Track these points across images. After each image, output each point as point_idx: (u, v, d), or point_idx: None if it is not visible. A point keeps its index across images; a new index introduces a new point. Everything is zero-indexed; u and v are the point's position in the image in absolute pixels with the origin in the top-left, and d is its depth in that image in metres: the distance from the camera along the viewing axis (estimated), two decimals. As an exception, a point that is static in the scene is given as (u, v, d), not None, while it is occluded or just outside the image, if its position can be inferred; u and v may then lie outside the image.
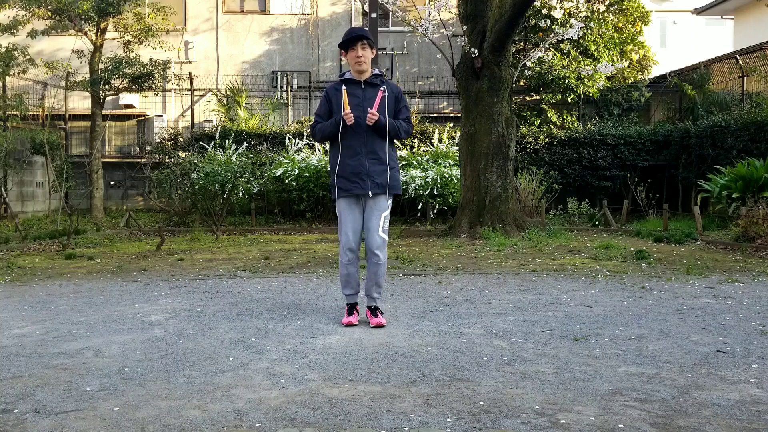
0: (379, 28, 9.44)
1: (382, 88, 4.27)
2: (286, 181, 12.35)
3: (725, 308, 4.80)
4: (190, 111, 17.09)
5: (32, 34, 13.00)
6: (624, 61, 15.26)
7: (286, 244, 9.57)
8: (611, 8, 15.42)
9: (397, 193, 4.39)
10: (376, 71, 4.33)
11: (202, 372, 3.28)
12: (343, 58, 4.41)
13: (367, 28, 4.44)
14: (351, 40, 4.16)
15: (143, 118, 17.28)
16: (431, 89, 17.52)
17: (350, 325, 4.26)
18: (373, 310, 4.36)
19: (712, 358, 3.49)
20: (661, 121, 15.90)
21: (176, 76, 16.11)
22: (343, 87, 4.24)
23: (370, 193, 4.21)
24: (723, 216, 10.46)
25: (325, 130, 4.29)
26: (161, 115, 17.05)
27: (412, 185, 12.14)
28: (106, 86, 13.71)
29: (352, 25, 17.64)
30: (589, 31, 14.83)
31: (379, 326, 4.21)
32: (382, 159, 4.26)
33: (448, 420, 2.60)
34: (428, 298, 5.25)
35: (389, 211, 4.33)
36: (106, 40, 14.03)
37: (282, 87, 17.34)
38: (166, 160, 12.98)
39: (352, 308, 4.41)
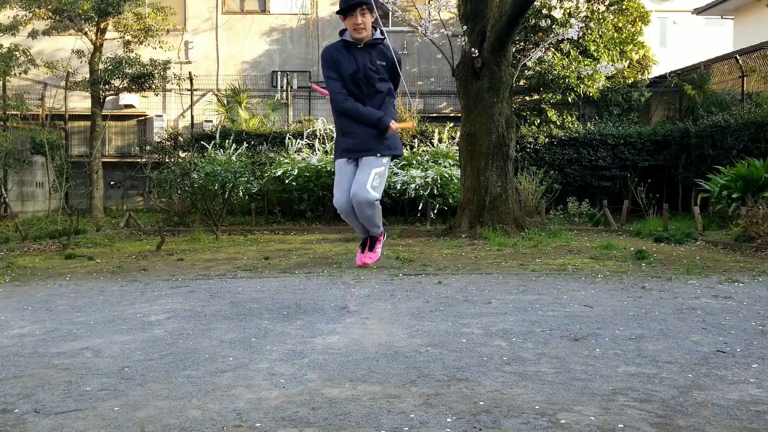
0: (379, 28, 9.44)
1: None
2: (286, 181, 12.35)
3: (725, 308, 4.80)
4: (190, 111, 17.09)
5: (33, 34, 13.00)
6: (624, 61, 15.26)
7: (286, 244, 9.57)
8: (611, 8, 15.42)
9: (400, 153, 4.34)
10: (378, 36, 4.16)
11: (202, 372, 3.27)
12: (342, 24, 4.29)
13: None
14: (350, 8, 4.00)
15: (143, 118, 17.28)
16: (431, 89, 17.52)
17: (364, 265, 4.48)
18: (372, 242, 4.48)
19: (712, 358, 3.49)
20: (661, 121, 15.90)
21: (176, 76, 16.11)
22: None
23: (378, 154, 4.15)
24: (723, 216, 10.46)
25: (359, 113, 4.14)
26: (161, 115, 17.05)
27: (412, 185, 12.14)
28: (106, 86, 13.71)
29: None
30: (589, 31, 14.82)
31: (364, 265, 4.46)
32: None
33: (448, 420, 2.60)
34: (428, 298, 5.25)
35: (384, 169, 4.20)
36: (106, 40, 14.03)
37: (282, 87, 17.34)
38: (166, 160, 12.99)
39: (364, 243, 4.52)
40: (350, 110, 4.12)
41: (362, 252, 4.55)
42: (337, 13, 4.15)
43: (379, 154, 4.15)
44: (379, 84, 4.15)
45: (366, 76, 4.10)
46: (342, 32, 4.19)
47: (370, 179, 4.10)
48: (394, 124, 4.14)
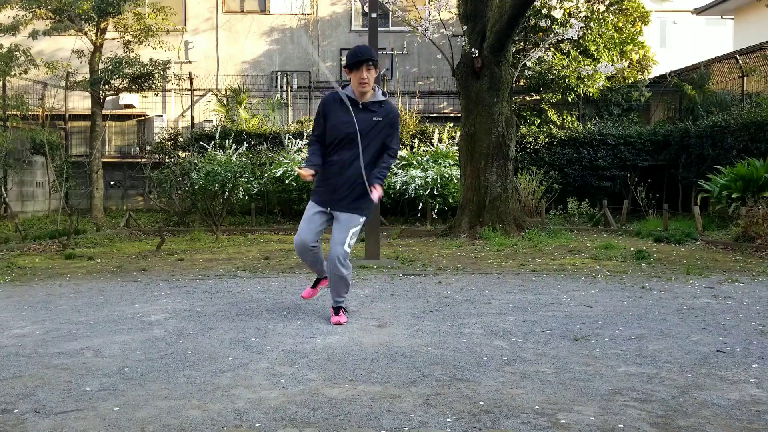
0: (379, 28, 9.43)
1: (375, 119, 4.24)
2: (286, 181, 12.35)
3: (725, 308, 4.80)
4: (190, 111, 17.10)
5: (33, 34, 13.01)
6: (624, 61, 15.26)
7: (286, 244, 9.57)
8: (611, 8, 15.42)
9: (367, 217, 4.38)
10: (380, 96, 4.28)
11: (202, 372, 3.28)
12: (347, 75, 4.48)
13: (370, 44, 4.36)
14: (356, 64, 4.15)
15: (143, 118, 17.29)
16: (431, 89, 17.52)
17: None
18: (336, 309, 4.45)
19: (712, 358, 3.49)
20: (661, 121, 15.90)
21: (176, 76, 16.11)
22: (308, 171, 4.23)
23: (339, 211, 4.26)
24: (723, 216, 10.46)
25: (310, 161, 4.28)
26: (161, 115, 17.05)
27: (412, 185, 12.14)
28: (106, 86, 13.71)
29: (352, 27, 17.66)
30: (589, 31, 14.82)
31: (338, 324, 4.30)
32: (363, 180, 4.23)
33: (448, 420, 2.60)
34: (428, 298, 5.25)
35: (359, 228, 4.32)
36: (106, 40, 14.03)
37: (282, 87, 17.34)
38: (166, 160, 12.99)
39: (317, 282, 4.69)
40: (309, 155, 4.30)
41: (313, 287, 4.69)
42: (344, 67, 4.28)
43: (342, 212, 4.24)
44: (374, 139, 4.25)
45: (363, 131, 4.19)
46: (343, 87, 4.29)
47: (348, 239, 4.26)
48: (376, 192, 4.21)
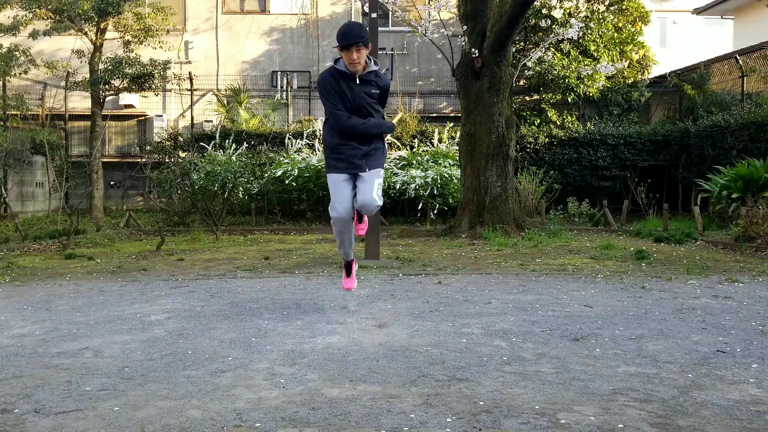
0: (379, 28, 9.44)
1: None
2: (286, 182, 12.35)
3: (725, 308, 4.80)
4: (190, 111, 17.09)
5: (33, 34, 13.00)
6: (624, 61, 15.25)
7: (286, 244, 9.58)
8: (611, 8, 15.42)
9: (382, 167, 4.65)
10: (372, 66, 4.39)
11: (202, 372, 3.28)
12: (338, 53, 4.63)
13: (362, 23, 4.59)
14: (347, 46, 4.24)
15: (143, 118, 17.28)
16: (431, 89, 17.51)
17: (349, 290, 4.94)
18: (349, 268, 4.82)
19: (712, 358, 3.49)
20: (661, 121, 15.90)
21: (176, 76, 16.11)
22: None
23: (367, 169, 4.46)
24: (723, 216, 10.46)
25: (356, 129, 4.41)
26: (161, 115, 17.04)
27: (412, 185, 12.13)
28: (106, 86, 13.70)
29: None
30: (589, 31, 14.82)
31: (361, 237, 4.81)
32: (374, 140, 4.52)
33: (448, 420, 2.60)
34: (428, 298, 5.25)
35: (382, 179, 4.60)
36: (106, 40, 14.03)
37: (282, 87, 17.34)
38: (166, 160, 12.99)
39: (349, 266, 4.82)
40: (353, 126, 4.39)
41: (348, 275, 4.84)
42: (336, 46, 4.40)
43: (368, 170, 4.46)
44: (373, 110, 4.45)
45: (362, 104, 4.38)
46: (336, 61, 4.43)
47: (375, 189, 4.47)
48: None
